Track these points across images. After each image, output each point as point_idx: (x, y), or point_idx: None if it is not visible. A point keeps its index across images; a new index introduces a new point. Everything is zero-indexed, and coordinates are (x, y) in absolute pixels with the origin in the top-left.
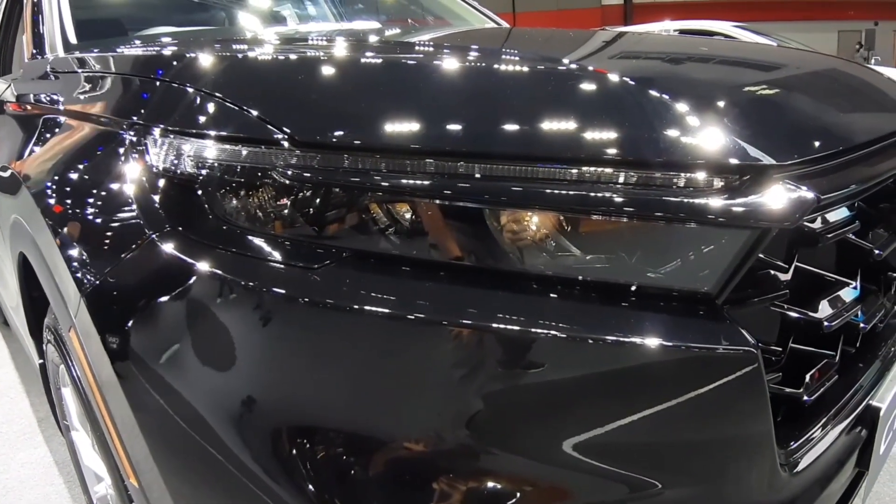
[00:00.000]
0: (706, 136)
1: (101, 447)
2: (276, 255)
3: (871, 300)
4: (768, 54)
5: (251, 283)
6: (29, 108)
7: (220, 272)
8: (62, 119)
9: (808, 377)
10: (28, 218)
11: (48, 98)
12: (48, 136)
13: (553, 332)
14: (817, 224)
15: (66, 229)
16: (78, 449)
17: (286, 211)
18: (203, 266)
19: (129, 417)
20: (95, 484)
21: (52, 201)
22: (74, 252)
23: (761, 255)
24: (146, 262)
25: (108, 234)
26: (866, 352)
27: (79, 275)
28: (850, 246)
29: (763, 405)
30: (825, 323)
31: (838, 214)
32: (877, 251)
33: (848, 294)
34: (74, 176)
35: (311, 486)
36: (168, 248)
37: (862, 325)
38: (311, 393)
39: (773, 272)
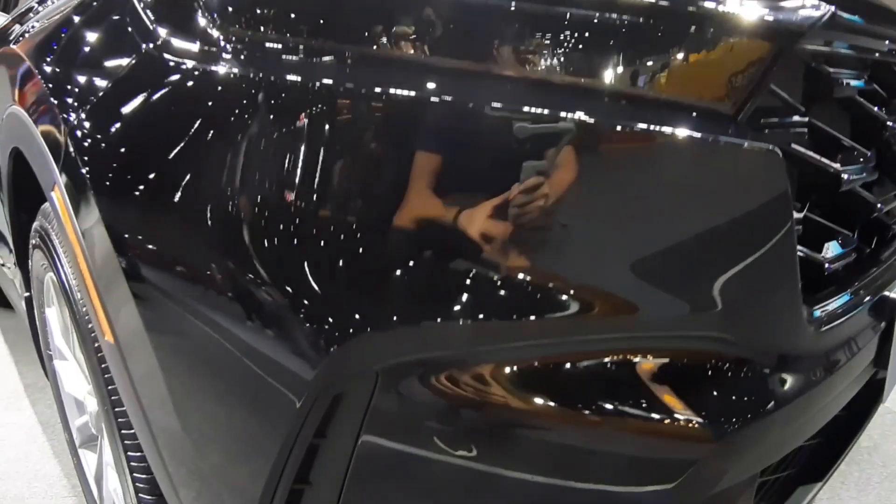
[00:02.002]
0: None
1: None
2: (287, 55)
3: (887, 189)
4: None
5: (259, 76)
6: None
7: (229, 73)
8: None
9: (826, 246)
10: (25, 99)
11: None
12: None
13: (570, 116)
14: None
15: (59, 79)
16: (60, 378)
17: (299, 11)
18: (207, 68)
19: (112, 261)
20: (77, 417)
21: (48, 58)
22: (67, 96)
23: (778, 90)
24: (140, 75)
25: (101, 61)
26: (885, 248)
27: (66, 113)
28: (865, 118)
29: (786, 212)
30: (843, 176)
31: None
32: (889, 122)
33: (863, 159)
34: (69, 29)
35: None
36: (165, 55)
37: (879, 205)
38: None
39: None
